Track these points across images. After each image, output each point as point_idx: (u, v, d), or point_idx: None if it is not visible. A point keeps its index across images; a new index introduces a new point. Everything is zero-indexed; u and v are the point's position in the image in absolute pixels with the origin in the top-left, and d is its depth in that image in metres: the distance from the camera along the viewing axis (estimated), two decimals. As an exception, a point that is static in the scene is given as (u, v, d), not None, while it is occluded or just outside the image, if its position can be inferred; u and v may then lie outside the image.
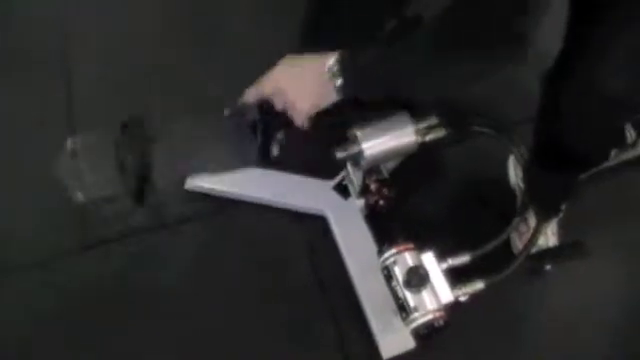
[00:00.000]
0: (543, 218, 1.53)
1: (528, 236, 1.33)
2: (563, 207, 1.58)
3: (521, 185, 1.60)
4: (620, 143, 1.28)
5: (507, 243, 1.47)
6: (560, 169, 1.37)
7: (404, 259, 1.19)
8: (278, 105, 1.16)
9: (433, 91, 1.13)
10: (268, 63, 1.19)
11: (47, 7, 2.18)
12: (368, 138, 1.26)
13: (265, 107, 1.20)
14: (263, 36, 1.99)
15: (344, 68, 1.09)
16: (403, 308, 1.17)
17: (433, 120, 1.30)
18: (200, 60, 2.01)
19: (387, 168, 1.44)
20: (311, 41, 1.41)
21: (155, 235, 1.66)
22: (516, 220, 1.32)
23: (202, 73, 1.97)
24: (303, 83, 1.13)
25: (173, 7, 2.18)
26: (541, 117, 1.38)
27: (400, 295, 1.18)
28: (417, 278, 1.16)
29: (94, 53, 2.06)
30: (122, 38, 2.08)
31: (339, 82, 1.10)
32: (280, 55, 1.20)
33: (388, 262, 1.20)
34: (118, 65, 2.01)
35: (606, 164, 1.57)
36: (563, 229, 1.57)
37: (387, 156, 1.31)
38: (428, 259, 1.21)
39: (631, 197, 1.65)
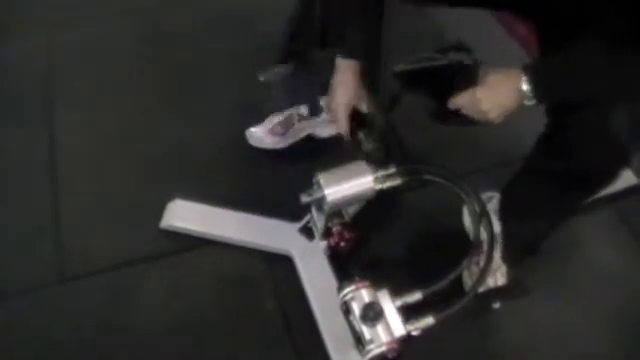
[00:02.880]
0: (518, 262, 1.64)
1: (478, 276, 1.43)
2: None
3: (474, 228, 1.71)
4: (627, 164, 1.37)
5: (460, 283, 1.58)
6: (565, 192, 1.44)
7: (361, 295, 1.28)
8: (469, 111, 1.34)
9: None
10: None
11: (31, 50, 2.30)
12: (330, 185, 1.38)
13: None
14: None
15: (537, 94, 1.24)
16: (359, 340, 1.26)
17: (390, 169, 1.43)
18: (181, 105, 2.12)
19: (349, 212, 1.55)
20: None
21: (127, 271, 1.72)
22: (465, 261, 1.40)
23: (182, 118, 2.08)
24: (498, 100, 1.29)
25: (157, 55, 2.29)
26: (552, 146, 1.41)
27: (357, 328, 1.26)
28: (372, 313, 1.25)
29: (78, 96, 2.16)
30: (106, 85, 2.20)
31: (533, 102, 1.26)
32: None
33: (347, 298, 1.29)
34: (101, 112, 2.11)
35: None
36: (510, 271, 1.67)
37: (348, 201, 1.43)
38: (383, 296, 1.30)
39: (563, 242, 1.75)
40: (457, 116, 1.36)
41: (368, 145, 1.52)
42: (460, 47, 1.37)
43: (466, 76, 1.33)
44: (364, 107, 1.51)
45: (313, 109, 1.83)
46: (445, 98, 1.37)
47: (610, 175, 1.39)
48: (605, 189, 1.47)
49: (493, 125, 1.33)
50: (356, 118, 1.53)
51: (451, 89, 1.35)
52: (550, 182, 1.44)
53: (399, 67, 1.39)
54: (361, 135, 1.54)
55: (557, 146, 1.37)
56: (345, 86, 1.50)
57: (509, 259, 1.64)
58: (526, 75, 1.24)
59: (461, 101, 1.34)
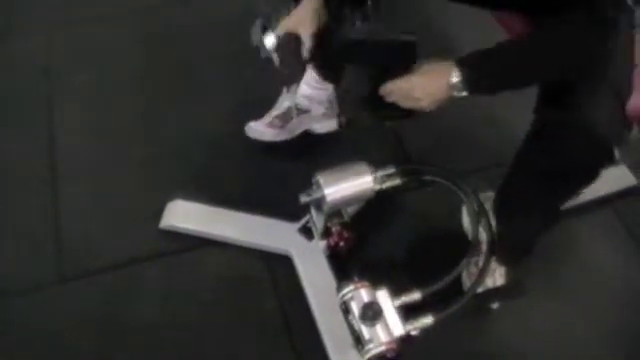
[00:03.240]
0: (514, 262, 1.65)
1: (477, 277, 1.43)
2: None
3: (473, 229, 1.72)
4: (611, 161, 1.39)
5: (459, 283, 1.59)
6: (548, 190, 1.44)
7: (360, 295, 1.29)
8: (401, 98, 1.35)
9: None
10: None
11: (31, 50, 2.30)
12: (330, 184, 1.38)
13: None
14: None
15: (467, 87, 1.27)
16: (359, 340, 1.26)
17: (390, 169, 1.43)
18: (180, 106, 2.12)
19: (348, 212, 1.56)
20: None
21: (127, 271, 1.73)
22: (464, 261, 1.41)
23: (181, 118, 2.09)
24: (430, 89, 1.31)
25: (156, 54, 2.29)
26: (535, 142, 1.43)
27: (356, 328, 1.27)
28: (371, 313, 1.25)
29: (78, 96, 2.16)
30: (106, 85, 2.20)
31: (464, 94, 1.28)
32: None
33: (346, 297, 1.29)
34: (102, 112, 2.12)
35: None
36: (510, 272, 1.68)
37: (347, 201, 1.43)
38: (382, 295, 1.30)
39: (561, 242, 1.76)
40: (389, 105, 1.36)
41: None
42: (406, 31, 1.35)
43: (404, 59, 1.33)
44: (307, 40, 1.49)
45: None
46: (379, 84, 1.36)
47: (596, 170, 1.40)
48: (593, 183, 1.48)
49: (421, 115, 1.35)
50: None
51: (386, 75, 1.35)
52: (539, 179, 1.44)
53: (339, 37, 1.37)
54: None
55: (543, 143, 1.37)
56: (299, 14, 1.50)
57: (504, 260, 1.64)
58: (457, 67, 1.26)
59: (395, 86, 1.34)
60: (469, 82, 1.27)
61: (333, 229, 1.50)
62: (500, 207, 1.63)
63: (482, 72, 1.29)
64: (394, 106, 1.36)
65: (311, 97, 1.91)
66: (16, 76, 2.23)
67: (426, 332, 1.31)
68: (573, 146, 1.30)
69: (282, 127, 1.93)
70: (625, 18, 1.33)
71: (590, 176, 1.42)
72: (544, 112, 1.36)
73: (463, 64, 1.27)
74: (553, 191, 1.46)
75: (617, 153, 1.31)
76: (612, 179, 1.86)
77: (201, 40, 2.31)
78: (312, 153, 1.92)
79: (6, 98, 2.16)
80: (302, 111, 1.93)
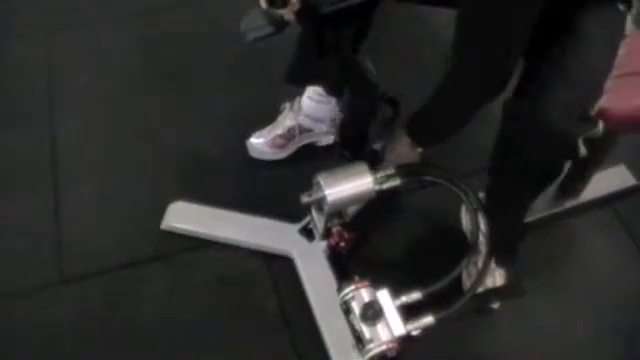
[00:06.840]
0: (504, 262, 1.66)
1: (477, 277, 1.44)
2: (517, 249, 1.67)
3: (472, 229, 1.72)
4: (574, 156, 1.39)
5: (459, 284, 1.59)
6: (519, 186, 1.48)
7: (361, 295, 1.29)
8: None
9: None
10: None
11: (33, 52, 2.31)
12: (331, 185, 1.38)
13: None
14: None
15: (417, 141, 1.46)
16: (359, 340, 1.27)
17: (390, 170, 1.44)
18: (181, 108, 2.13)
19: (348, 213, 1.56)
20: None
21: (128, 272, 1.74)
22: (464, 261, 1.41)
23: (182, 120, 2.09)
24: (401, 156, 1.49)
25: (157, 57, 2.30)
26: (501, 138, 1.47)
27: (357, 327, 1.27)
28: (372, 312, 1.25)
29: (79, 97, 2.17)
30: (107, 86, 2.20)
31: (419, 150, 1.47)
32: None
33: (347, 297, 1.30)
34: (103, 113, 2.13)
35: (551, 211, 1.70)
36: (508, 272, 1.68)
37: (348, 202, 1.43)
38: (383, 295, 1.30)
39: (560, 242, 1.80)
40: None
41: None
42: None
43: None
44: None
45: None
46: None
47: (557, 165, 1.42)
48: (558, 178, 1.50)
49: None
50: None
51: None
52: (508, 176, 1.46)
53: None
54: None
55: (506, 139, 1.40)
56: None
57: (495, 259, 1.64)
58: (406, 134, 1.44)
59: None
60: (416, 136, 1.45)
61: (334, 230, 1.50)
62: (485, 206, 1.64)
63: (421, 125, 1.44)
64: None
65: (314, 115, 1.92)
66: (17, 77, 2.24)
67: (427, 331, 1.32)
68: (530, 139, 1.32)
69: (283, 147, 1.94)
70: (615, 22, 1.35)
71: (553, 170, 1.43)
72: (507, 106, 1.38)
73: (410, 130, 1.45)
74: (523, 187, 1.48)
75: (583, 149, 1.33)
76: (611, 179, 1.87)
77: (201, 42, 2.32)
78: (313, 154, 1.93)
79: (7, 99, 2.16)
80: (305, 130, 1.93)
